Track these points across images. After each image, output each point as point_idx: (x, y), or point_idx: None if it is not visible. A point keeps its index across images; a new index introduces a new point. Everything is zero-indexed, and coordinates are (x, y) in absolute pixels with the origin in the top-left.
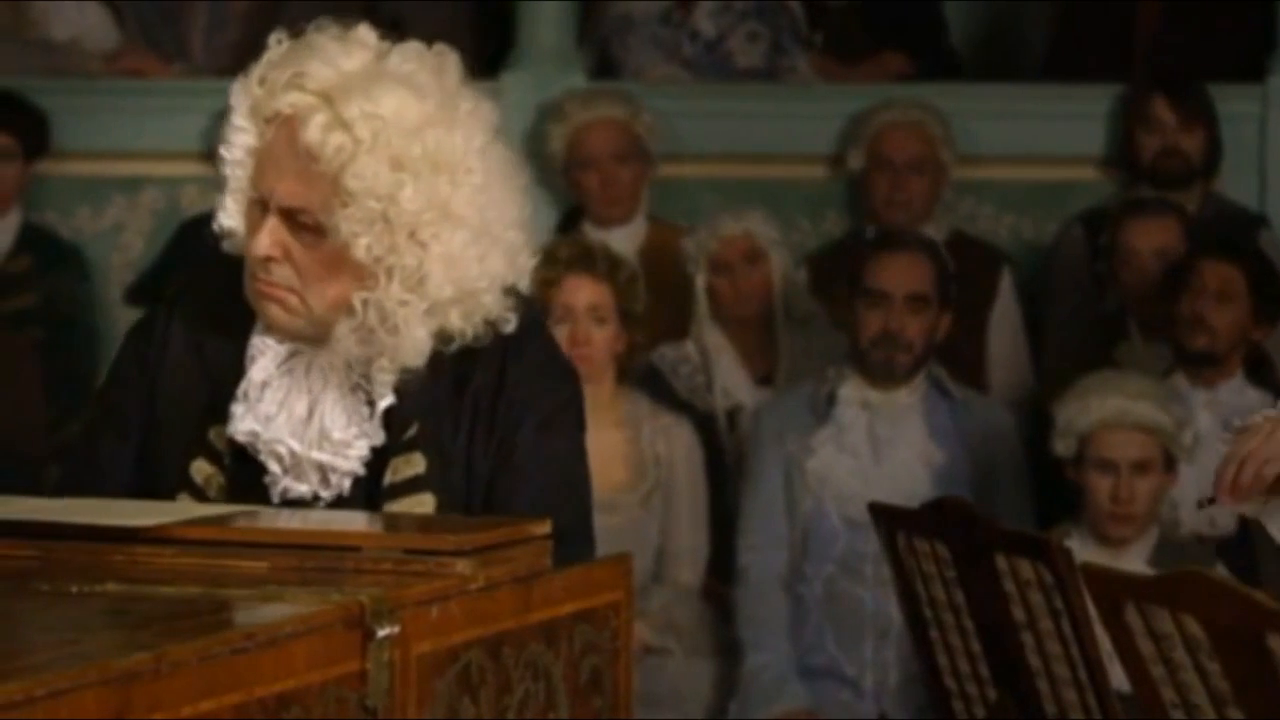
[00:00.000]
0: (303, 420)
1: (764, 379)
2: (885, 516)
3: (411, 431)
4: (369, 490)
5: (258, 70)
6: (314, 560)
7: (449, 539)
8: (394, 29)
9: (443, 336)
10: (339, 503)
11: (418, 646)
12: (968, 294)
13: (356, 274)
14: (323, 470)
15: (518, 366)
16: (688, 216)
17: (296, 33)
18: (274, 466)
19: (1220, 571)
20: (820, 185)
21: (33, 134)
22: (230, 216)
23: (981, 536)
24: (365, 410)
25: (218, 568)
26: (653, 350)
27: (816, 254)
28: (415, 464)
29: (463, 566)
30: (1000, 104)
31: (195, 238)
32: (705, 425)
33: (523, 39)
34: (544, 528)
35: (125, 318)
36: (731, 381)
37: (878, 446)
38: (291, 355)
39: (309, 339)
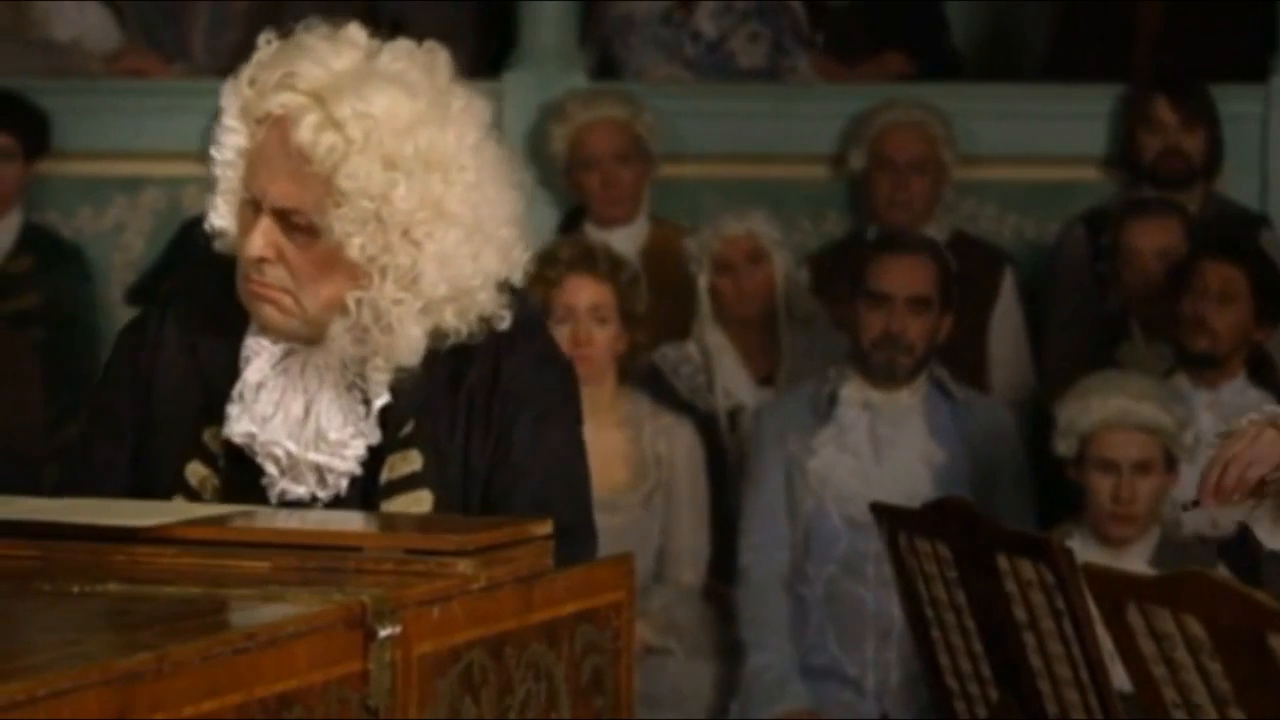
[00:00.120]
0: (299, 421)
1: (765, 379)
2: (887, 516)
3: (407, 429)
4: (366, 489)
5: (247, 71)
6: (315, 560)
7: (451, 539)
8: (396, 29)
9: (437, 334)
10: (336, 503)
11: (419, 646)
12: (969, 294)
13: (350, 274)
14: (320, 471)
15: (512, 362)
16: (689, 217)
17: (286, 32)
18: (271, 468)
19: (1222, 572)
20: (822, 185)
21: (33, 134)
22: (221, 217)
23: (983, 537)
24: (361, 409)
25: (219, 568)
26: (654, 350)
27: (818, 254)
28: (412, 461)
29: (464, 566)
30: (1002, 104)
31: (197, 238)
32: (707, 425)
33: (524, 39)
34: (545, 528)
35: (126, 318)
36: (733, 382)
37: (879, 447)
38: (286, 355)
39: (303, 339)
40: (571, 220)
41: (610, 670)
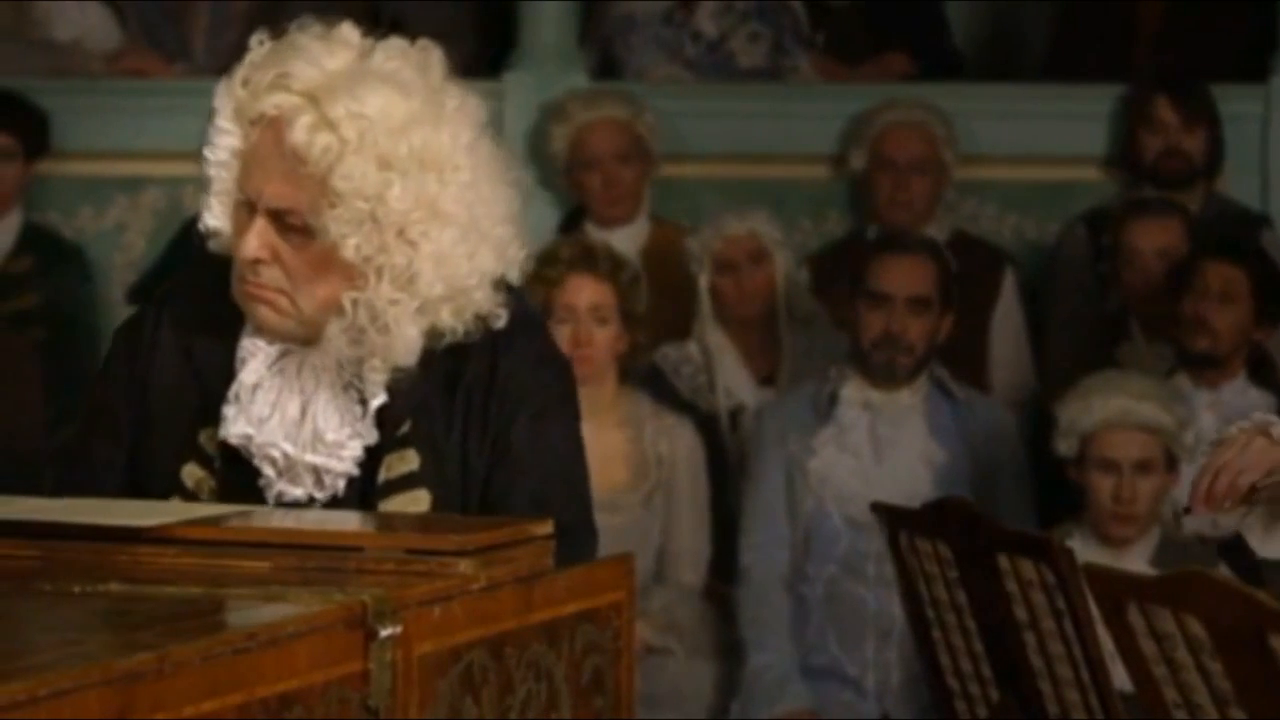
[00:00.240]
0: (295, 422)
1: (766, 379)
2: (888, 516)
3: (404, 429)
4: (364, 489)
5: (240, 71)
6: (316, 560)
7: (451, 539)
8: (396, 29)
9: (433, 334)
10: (333, 504)
11: (420, 647)
12: (970, 294)
13: (346, 274)
14: (317, 473)
15: (509, 360)
16: (690, 217)
17: (279, 32)
18: (268, 470)
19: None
20: (822, 185)
21: (34, 134)
22: (216, 217)
23: (984, 537)
24: (358, 410)
25: (220, 568)
26: (655, 350)
27: (819, 254)
28: (409, 461)
29: (465, 566)
30: (1002, 104)
31: (196, 237)
32: (707, 425)
33: (525, 39)
34: (546, 528)
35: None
36: (734, 382)
37: (879, 447)
38: (282, 356)
39: (299, 340)
40: (572, 220)
41: (611, 670)
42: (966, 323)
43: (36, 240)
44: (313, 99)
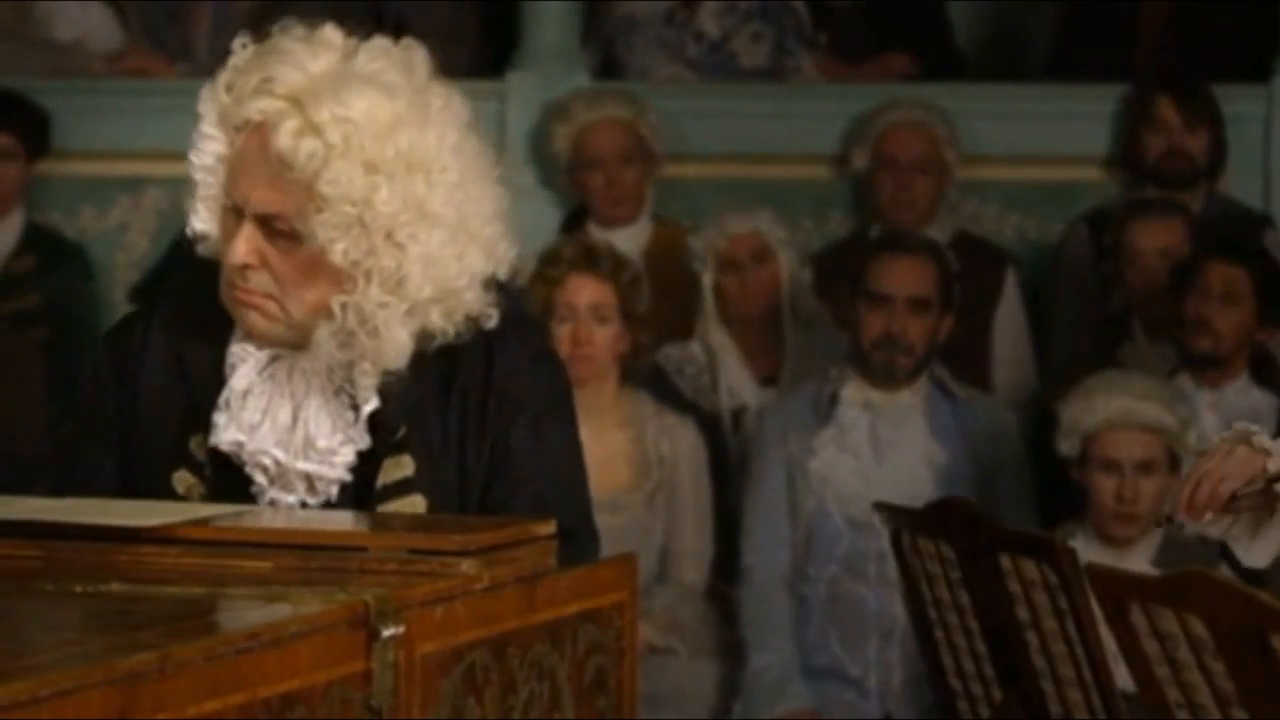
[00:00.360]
0: (287, 428)
1: (768, 379)
2: (890, 516)
3: (399, 434)
4: (357, 494)
5: (224, 76)
6: (318, 560)
7: (453, 539)
8: (399, 30)
9: (424, 336)
10: (327, 509)
11: (422, 647)
12: (972, 294)
13: (334, 278)
14: (309, 479)
15: (504, 361)
16: (692, 216)
17: (263, 35)
18: (259, 478)
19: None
20: (824, 185)
21: (35, 134)
22: (203, 221)
23: (986, 537)
24: (350, 415)
25: (222, 568)
26: (657, 350)
27: (821, 254)
28: (404, 466)
29: (467, 566)
30: (1004, 104)
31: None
32: (710, 425)
33: (527, 39)
34: (548, 528)
35: None
36: (736, 382)
37: (879, 447)
38: (272, 361)
39: (289, 344)
40: (574, 220)
41: (613, 670)
42: (969, 323)
43: (38, 240)
44: (297, 103)
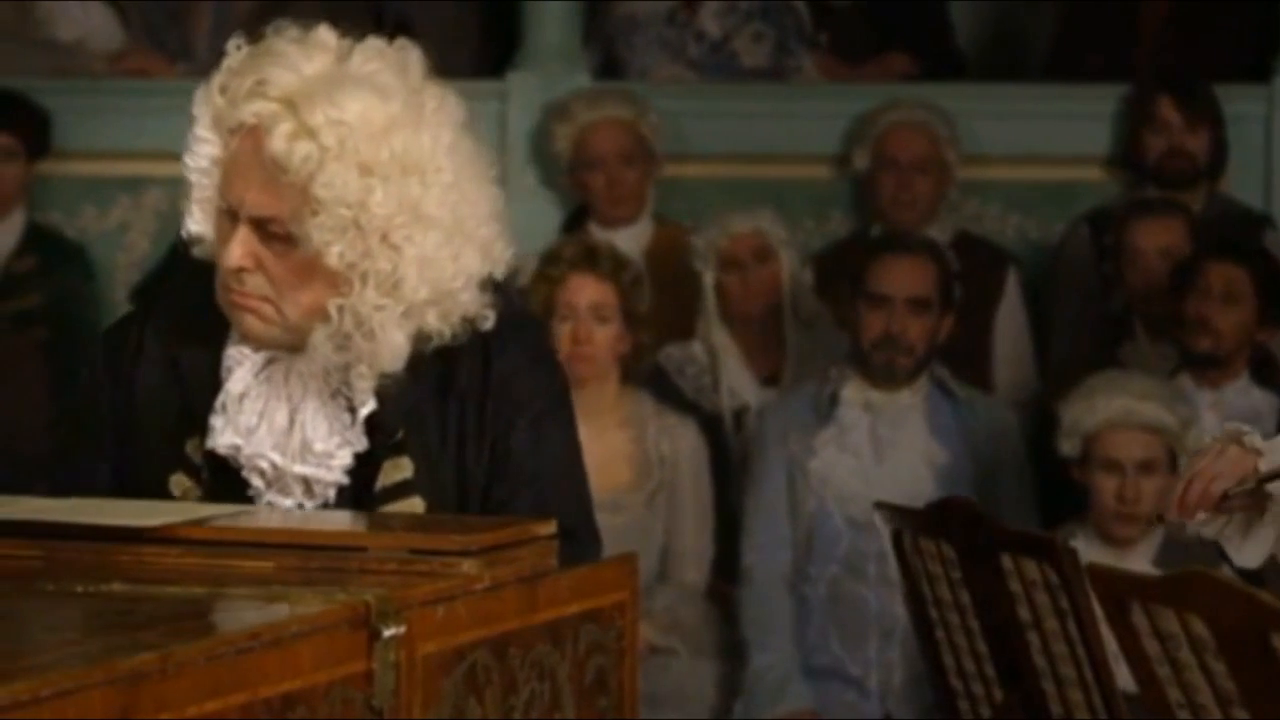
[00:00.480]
0: (284, 431)
1: (769, 379)
2: (891, 516)
3: (397, 436)
4: (355, 497)
5: (218, 78)
6: (319, 560)
7: (454, 539)
8: (400, 30)
9: (420, 337)
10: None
11: (423, 647)
12: (973, 294)
13: (330, 281)
14: (306, 482)
15: (502, 362)
16: (693, 216)
17: (256, 37)
18: (256, 481)
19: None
20: (825, 185)
21: (36, 134)
22: (198, 223)
23: (987, 536)
24: (347, 417)
25: (223, 568)
26: (658, 350)
27: (822, 254)
28: (403, 468)
29: (468, 567)
30: (1005, 104)
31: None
32: (710, 425)
33: (528, 39)
34: (549, 528)
35: None
36: (737, 382)
37: (880, 447)
38: (268, 364)
39: (285, 347)
40: (575, 220)
41: (614, 670)
42: (970, 323)
43: (39, 240)
44: (291, 106)
